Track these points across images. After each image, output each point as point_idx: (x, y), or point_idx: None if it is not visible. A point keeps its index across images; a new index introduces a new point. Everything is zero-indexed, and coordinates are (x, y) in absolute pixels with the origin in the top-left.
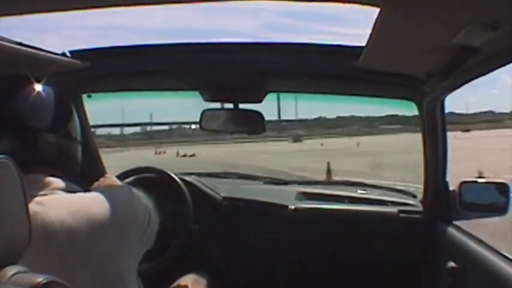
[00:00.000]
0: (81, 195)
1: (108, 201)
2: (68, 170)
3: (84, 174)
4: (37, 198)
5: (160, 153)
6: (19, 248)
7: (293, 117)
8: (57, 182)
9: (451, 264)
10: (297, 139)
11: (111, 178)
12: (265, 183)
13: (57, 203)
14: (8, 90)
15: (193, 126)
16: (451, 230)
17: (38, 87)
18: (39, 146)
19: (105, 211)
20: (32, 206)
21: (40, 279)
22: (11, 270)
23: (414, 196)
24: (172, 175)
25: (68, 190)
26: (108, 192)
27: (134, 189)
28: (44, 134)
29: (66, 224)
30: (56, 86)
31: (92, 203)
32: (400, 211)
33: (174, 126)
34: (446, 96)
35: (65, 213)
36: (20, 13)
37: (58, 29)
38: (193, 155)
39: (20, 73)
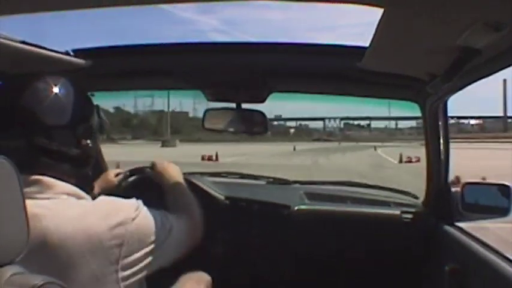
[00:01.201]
0: (83, 203)
1: (108, 215)
2: (79, 171)
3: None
4: (40, 201)
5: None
6: (17, 249)
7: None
8: (63, 186)
9: (453, 265)
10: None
11: (107, 177)
12: (268, 183)
13: (58, 208)
14: (20, 87)
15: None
16: (453, 231)
17: (53, 82)
18: (51, 145)
19: (104, 224)
20: (33, 208)
21: (37, 280)
22: (8, 271)
23: (416, 197)
24: None
25: (73, 195)
26: (112, 206)
27: (144, 210)
28: (60, 130)
29: (62, 230)
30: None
31: (92, 213)
32: (403, 212)
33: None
34: (449, 97)
35: (64, 219)
36: (23, 12)
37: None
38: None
39: (34, 71)
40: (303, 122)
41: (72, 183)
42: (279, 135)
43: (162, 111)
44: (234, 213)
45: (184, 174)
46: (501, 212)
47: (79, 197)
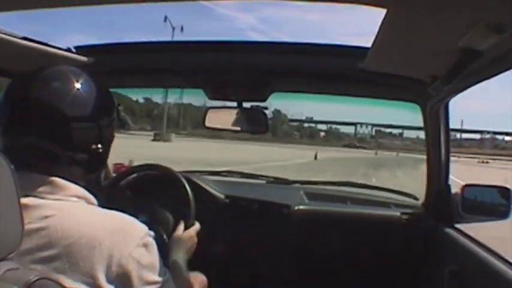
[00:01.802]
0: (92, 209)
1: (116, 231)
2: (90, 175)
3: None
4: (49, 202)
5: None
6: (11, 246)
7: None
8: (74, 189)
9: (452, 266)
10: None
11: None
12: (268, 182)
13: (67, 210)
14: (38, 79)
15: None
16: (452, 233)
17: (74, 76)
18: (65, 144)
19: (108, 238)
20: (42, 208)
21: (32, 276)
22: (2, 267)
23: (416, 199)
24: (176, 173)
25: (83, 198)
26: (122, 223)
27: (151, 241)
28: (79, 127)
29: (68, 233)
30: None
31: (100, 223)
32: (403, 213)
33: None
34: (450, 99)
35: (71, 222)
36: (24, 8)
37: (63, 24)
38: None
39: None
40: (334, 126)
41: (82, 186)
42: (306, 138)
43: (159, 104)
44: (234, 212)
45: (185, 172)
46: (501, 215)
47: (89, 202)
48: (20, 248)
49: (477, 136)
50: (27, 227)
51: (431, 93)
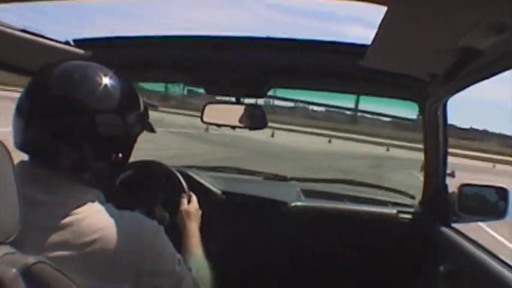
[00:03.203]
0: (107, 211)
1: (129, 234)
2: (109, 179)
3: None
4: (66, 201)
5: None
6: (9, 230)
7: None
8: (92, 191)
9: (448, 266)
10: None
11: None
12: (265, 178)
13: (84, 212)
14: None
15: None
16: (449, 232)
17: (102, 72)
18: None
19: (123, 241)
20: (60, 209)
21: (30, 259)
22: (0, 250)
23: (413, 197)
24: (171, 168)
25: (99, 201)
26: (138, 227)
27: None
28: (103, 118)
29: (83, 238)
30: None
31: (115, 225)
32: (399, 212)
33: None
34: (449, 98)
35: (88, 225)
36: (23, 0)
37: (63, 17)
38: None
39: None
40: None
41: (98, 188)
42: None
43: None
44: (231, 208)
45: (181, 167)
46: (497, 215)
47: (102, 203)
48: (33, 242)
49: None
50: (44, 223)
51: (431, 91)
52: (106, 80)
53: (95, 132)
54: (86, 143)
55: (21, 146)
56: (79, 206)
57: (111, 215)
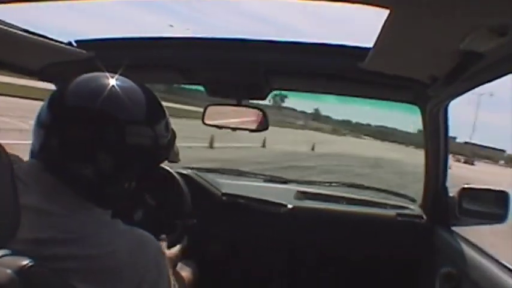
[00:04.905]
0: (113, 227)
1: (133, 250)
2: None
3: None
4: (75, 215)
5: None
6: (6, 234)
7: None
8: (99, 209)
9: (448, 269)
10: None
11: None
12: (265, 181)
13: (91, 228)
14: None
15: None
16: (448, 235)
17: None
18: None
19: (127, 257)
20: (67, 222)
21: (26, 261)
22: None
23: (413, 200)
24: (169, 169)
25: (106, 214)
26: (141, 246)
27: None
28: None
29: (89, 251)
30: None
31: (121, 240)
32: (399, 214)
33: None
34: (450, 102)
35: (95, 243)
36: (23, 0)
37: (64, 17)
38: None
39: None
40: None
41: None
42: None
43: None
44: (230, 210)
45: (180, 168)
46: (497, 218)
47: (112, 218)
48: (41, 253)
49: None
50: (49, 235)
51: (431, 94)
52: (130, 91)
53: (121, 144)
54: (109, 156)
55: (38, 156)
56: (87, 220)
57: (119, 230)
